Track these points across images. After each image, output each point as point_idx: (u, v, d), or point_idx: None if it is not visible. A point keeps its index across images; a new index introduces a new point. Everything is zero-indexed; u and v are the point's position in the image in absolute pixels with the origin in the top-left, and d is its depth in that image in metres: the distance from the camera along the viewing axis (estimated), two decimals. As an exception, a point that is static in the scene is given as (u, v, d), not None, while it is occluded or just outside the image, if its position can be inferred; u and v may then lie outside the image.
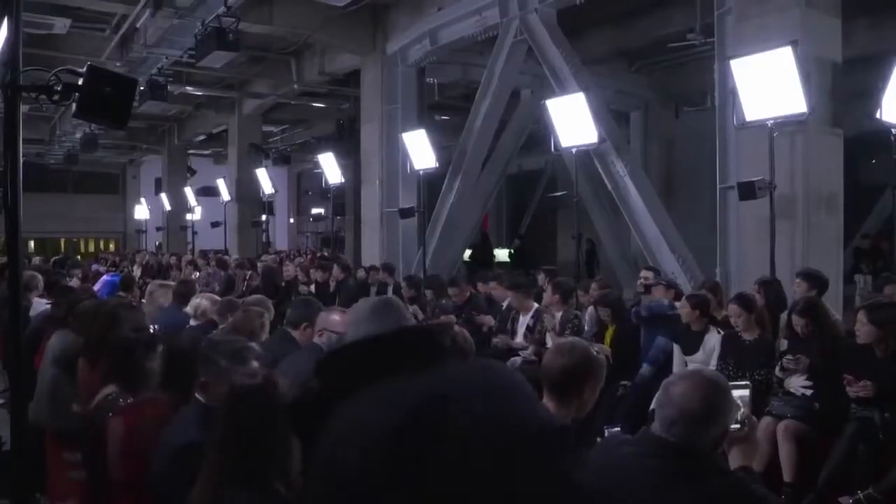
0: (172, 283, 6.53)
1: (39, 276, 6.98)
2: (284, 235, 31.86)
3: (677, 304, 6.25)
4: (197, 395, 2.87)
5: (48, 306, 5.86)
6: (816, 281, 5.72)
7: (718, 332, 5.57)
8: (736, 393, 2.23)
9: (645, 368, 5.91)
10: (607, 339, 6.33)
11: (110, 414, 3.13)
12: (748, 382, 2.28)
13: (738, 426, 2.20)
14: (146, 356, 3.33)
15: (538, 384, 2.71)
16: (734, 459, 2.19)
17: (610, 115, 10.30)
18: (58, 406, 4.12)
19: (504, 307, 7.48)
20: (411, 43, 12.36)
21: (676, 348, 5.78)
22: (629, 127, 15.73)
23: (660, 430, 2.10)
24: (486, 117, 11.23)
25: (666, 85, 15.34)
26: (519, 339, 6.94)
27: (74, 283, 8.75)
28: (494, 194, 14.09)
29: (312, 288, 9.95)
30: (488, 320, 7.34)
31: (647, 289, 6.73)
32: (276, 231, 28.75)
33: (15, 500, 2.97)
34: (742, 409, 2.24)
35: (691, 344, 5.65)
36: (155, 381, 3.36)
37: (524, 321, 6.99)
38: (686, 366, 5.64)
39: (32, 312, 5.87)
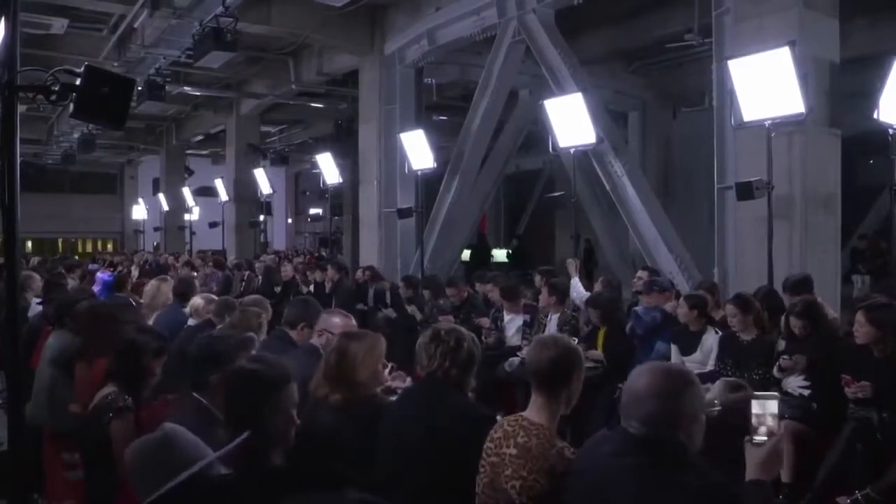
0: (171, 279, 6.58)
1: (37, 277, 6.98)
2: (282, 236, 31.88)
3: (671, 305, 6.26)
4: (194, 393, 2.87)
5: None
6: (800, 289, 5.72)
7: (716, 332, 5.58)
8: (763, 403, 2.11)
9: None
10: (599, 340, 6.29)
11: (110, 415, 3.13)
12: (776, 393, 2.17)
13: (762, 439, 2.09)
14: (154, 360, 3.35)
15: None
16: (751, 471, 2.09)
17: (608, 115, 10.31)
18: (55, 406, 4.13)
19: (493, 311, 7.56)
20: (409, 43, 12.36)
21: (674, 349, 5.78)
22: (627, 127, 15.73)
23: (630, 426, 2.12)
24: (484, 117, 11.23)
25: (664, 85, 15.35)
26: (509, 333, 7.05)
27: (71, 283, 8.74)
28: (492, 194, 14.09)
29: (311, 288, 9.95)
30: (485, 322, 7.36)
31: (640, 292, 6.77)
32: (274, 231, 28.76)
33: (13, 500, 2.97)
34: (768, 421, 2.10)
35: (689, 344, 5.66)
36: (154, 379, 3.38)
37: (516, 318, 7.11)
38: (683, 365, 5.66)
39: (30, 313, 5.87)
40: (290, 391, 2.32)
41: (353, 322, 3.90)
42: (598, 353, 6.15)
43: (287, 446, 2.34)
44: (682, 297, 5.99)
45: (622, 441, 2.14)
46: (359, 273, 10.73)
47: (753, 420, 2.09)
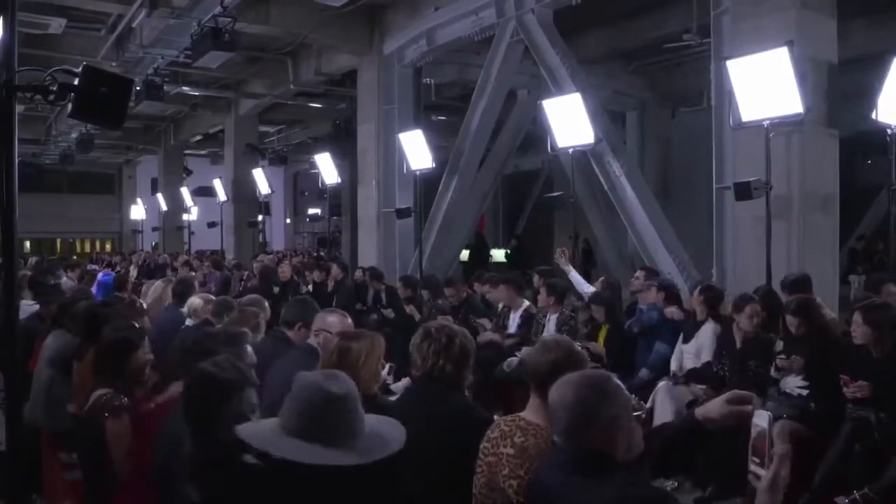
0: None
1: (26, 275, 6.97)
2: (281, 236, 31.86)
3: (671, 309, 6.29)
4: None
5: (35, 307, 5.86)
6: (798, 288, 5.74)
7: (715, 326, 5.67)
8: (756, 423, 1.94)
9: (644, 373, 5.94)
10: (601, 338, 6.34)
11: (105, 415, 3.13)
12: (769, 413, 2.02)
13: (757, 464, 1.88)
14: (129, 353, 3.34)
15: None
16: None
17: (606, 115, 10.31)
18: (53, 407, 4.12)
19: (499, 309, 7.52)
20: (408, 43, 12.36)
21: (682, 335, 5.91)
22: (625, 127, 15.74)
23: (556, 438, 2.14)
24: (482, 117, 11.23)
25: (662, 85, 15.36)
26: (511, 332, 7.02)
27: (67, 283, 8.72)
28: (491, 194, 14.10)
29: (310, 287, 9.95)
30: (485, 324, 7.34)
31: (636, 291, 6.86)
32: (273, 231, 28.77)
33: (11, 500, 2.97)
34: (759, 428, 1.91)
35: (690, 333, 5.81)
36: (144, 377, 3.37)
37: (515, 317, 7.06)
38: (682, 354, 5.81)
39: (22, 315, 5.84)
40: (246, 395, 2.33)
41: (350, 321, 3.88)
42: (597, 345, 6.19)
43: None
44: (699, 287, 6.11)
45: (558, 452, 2.17)
46: (357, 273, 10.72)
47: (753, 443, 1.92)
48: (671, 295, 6.37)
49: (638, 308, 6.54)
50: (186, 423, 2.32)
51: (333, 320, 3.80)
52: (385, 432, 2.03)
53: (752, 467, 1.90)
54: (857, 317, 4.54)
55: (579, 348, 2.70)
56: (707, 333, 5.69)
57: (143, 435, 3.03)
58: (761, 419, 1.93)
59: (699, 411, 2.27)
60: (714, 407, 2.23)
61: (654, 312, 6.20)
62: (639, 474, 2.09)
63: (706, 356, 5.60)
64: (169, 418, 2.72)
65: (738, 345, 5.29)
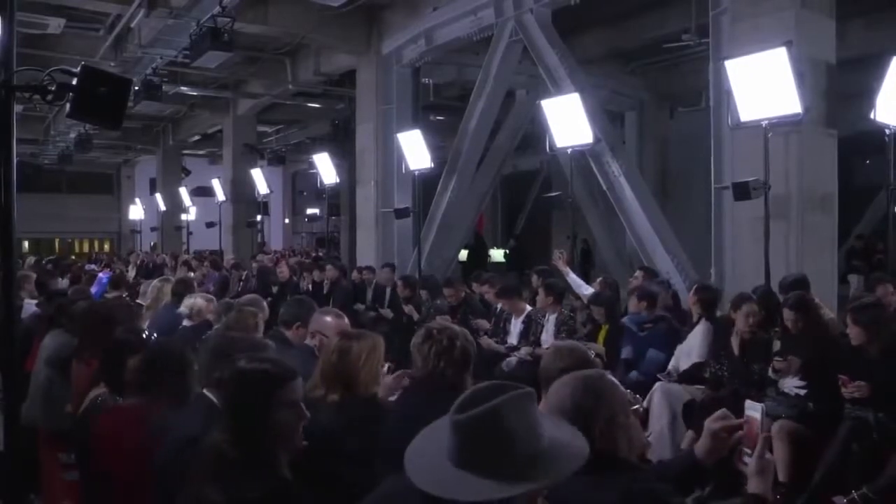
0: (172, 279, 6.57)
1: (33, 277, 6.96)
2: (279, 236, 31.83)
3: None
4: (206, 391, 2.84)
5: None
6: (796, 289, 5.73)
7: (708, 325, 5.70)
8: (748, 416, 2.03)
9: (633, 374, 5.89)
10: (600, 338, 6.36)
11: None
12: (762, 404, 2.08)
13: (749, 454, 1.97)
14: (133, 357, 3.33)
15: (535, 384, 2.73)
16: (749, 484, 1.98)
17: (605, 115, 10.31)
18: (51, 407, 4.11)
19: (497, 310, 7.51)
20: (406, 43, 12.36)
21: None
22: (624, 127, 15.74)
23: None
24: (481, 118, 11.23)
25: (661, 85, 15.36)
26: (513, 340, 6.98)
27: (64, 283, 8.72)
28: (490, 194, 14.10)
29: (309, 287, 9.95)
30: (483, 324, 7.34)
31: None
32: (272, 231, 28.73)
33: (9, 501, 2.96)
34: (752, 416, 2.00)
35: (687, 333, 5.82)
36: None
37: (517, 323, 7.03)
38: (679, 356, 5.80)
39: (24, 314, 5.84)
40: (296, 385, 2.28)
41: (346, 321, 3.87)
42: (598, 345, 6.19)
43: (296, 445, 2.25)
44: (695, 287, 6.15)
45: None
46: (355, 274, 10.72)
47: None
48: (653, 303, 6.28)
49: (627, 328, 6.45)
50: (231, 422, 2.21)
51: (329, 321, 3.79)
52: None
53: (744, 457, 1.96)
54: (849, 318, 4.56)
55: (594, 356, 2.68)
56: (697, 334, 5.70)
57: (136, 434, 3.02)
58: (754, 410, 1.99)
59: (697, 450, 2.25)
60: (704, 441, 2.21)
61: (629, 347, 6.11)
62: (644, 472, 2.07)
63: (695, 357, 5.60)
64: (176, 420, 2.71)
65: (737, 344, 5.29)
